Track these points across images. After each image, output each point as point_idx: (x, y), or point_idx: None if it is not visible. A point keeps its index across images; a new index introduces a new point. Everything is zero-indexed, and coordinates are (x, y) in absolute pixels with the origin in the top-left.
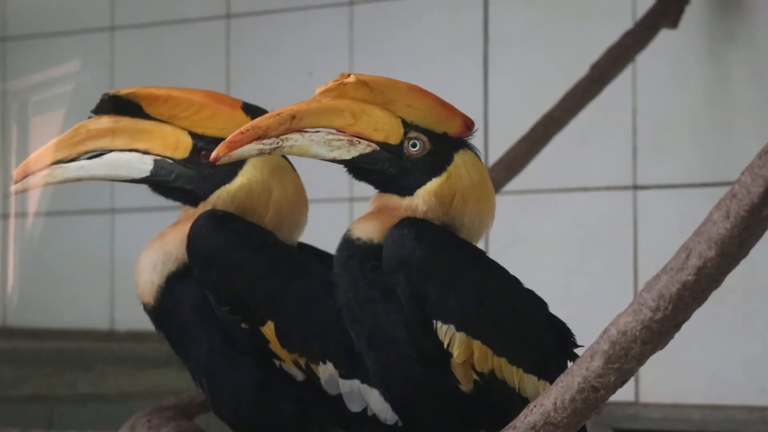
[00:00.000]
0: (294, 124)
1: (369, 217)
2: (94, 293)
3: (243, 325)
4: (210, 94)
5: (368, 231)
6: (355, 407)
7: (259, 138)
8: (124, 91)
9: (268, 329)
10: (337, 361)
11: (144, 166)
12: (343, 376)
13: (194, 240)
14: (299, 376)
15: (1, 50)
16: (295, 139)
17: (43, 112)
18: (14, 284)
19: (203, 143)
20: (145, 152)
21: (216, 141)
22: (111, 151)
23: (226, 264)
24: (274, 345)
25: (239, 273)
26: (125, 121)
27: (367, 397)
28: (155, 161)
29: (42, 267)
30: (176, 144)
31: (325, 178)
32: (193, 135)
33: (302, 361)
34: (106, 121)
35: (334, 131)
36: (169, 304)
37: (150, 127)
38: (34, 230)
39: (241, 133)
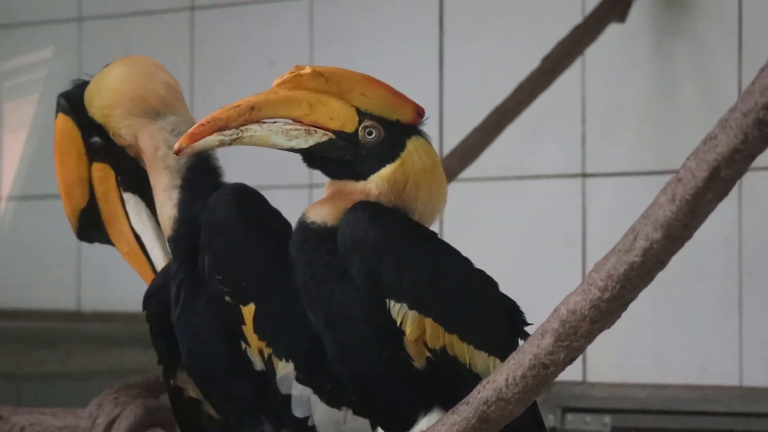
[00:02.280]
0: (253, 115)
1: (324, 201)
2: (60, 275)
3: (227, 299)
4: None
5: (323, 214)
6: (299, 413)
7: (219, 129)
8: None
9: (248, 310)
10: (298, 363)
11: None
12: (298, 379)
13: (213, 207)
14: (258, 365)
15: None
16: (254, 130)
17: (16, 98)
18: None
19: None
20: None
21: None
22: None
23: (233, 238)
24: (247, 327)
25: (243, 249)
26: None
27: (314, 408)
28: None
29: (10, 249)
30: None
31: (285, 164)
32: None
33: (267, 352)
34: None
35: (290, 121)
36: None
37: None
38: (2, 214)
39: (202, 125)
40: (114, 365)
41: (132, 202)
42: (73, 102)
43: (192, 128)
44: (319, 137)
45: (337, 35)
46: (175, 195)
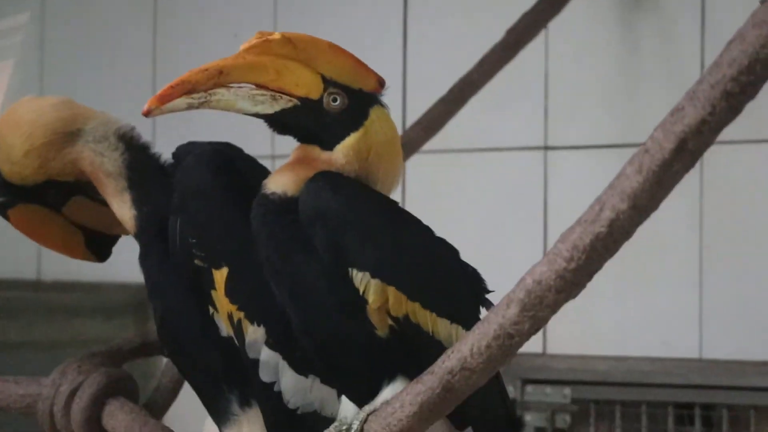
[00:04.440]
0: (221, 79)
1: (284, 169)
2: (21, 245)
3: (197, 262)
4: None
5: (282, 184)
6: (266, 378)
7: (188, 92)
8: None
9: (221, 274)
10: (270, 328)
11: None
12: (268, 344)
13: (189, 171)
14: (225, 331)
15: None
16: (221, 94)
17: None
18: None
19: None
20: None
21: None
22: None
23: (208, 200)
24: (218, 292)
25: (219, 212)
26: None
27: (281, 374)
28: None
29: None
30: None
31: (247, 134)
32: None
33: (237, 316)
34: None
35: (255, 87)
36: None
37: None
38: None
39: (171, 87)
40: (76, 335)
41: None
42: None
43: (161, 90)
44: (284, 103)
45: (302, 7)
46: (126, 196)
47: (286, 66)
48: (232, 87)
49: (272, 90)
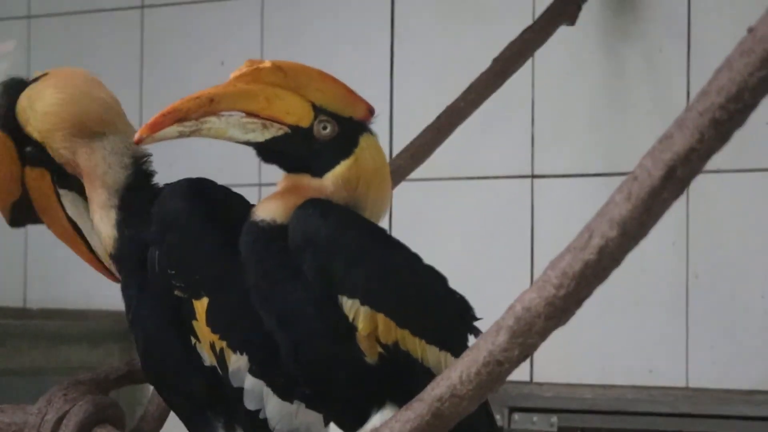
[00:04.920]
0: (212, 107)
1: (273, 197)
2: (6, 272)
3: (177, 293)
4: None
5: (271, 211)
6: (251, 405)
7: (179, 120)
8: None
9: (201, 304)
10: (252, 356)
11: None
12: (251, 372)
13: (166, 202)
14: (208, 360)
15: None
16: (212, 122)
17: None
18: None
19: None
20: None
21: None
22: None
23: (186, 232)
24: (199, 322)
25: (197, 243)
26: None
27: (266, 401)
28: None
29: None
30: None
31: (235, 163)
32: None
33: (219, 345)
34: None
35: (245, 115)
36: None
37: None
38: None
39: (163, 115)
40: (62, 362)
41: (69, 197)
42: (6, 115)
43: (152, 118)
44: (275, 131)
45: (288, 35)
46: (113, 214)
47: (276, 94)
48: (222, 115)
49: (263, 118)
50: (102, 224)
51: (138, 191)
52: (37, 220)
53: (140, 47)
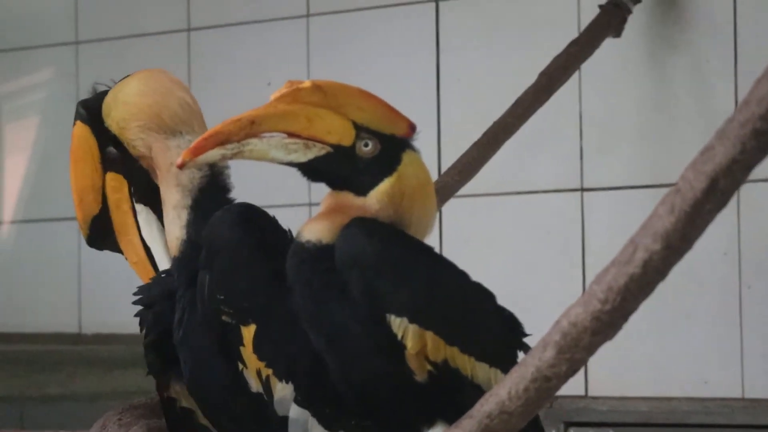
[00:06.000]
0: (253, 129)
1: (318, 218)
2: (62, 298)
3: (225, 318)
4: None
5: (317, 232)
6: None
7: (221, 143)
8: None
9: (248, 331)
10: (298, 385)
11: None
12: (297, 401)
13: (217, 228)
14: (254, 387)
15: None
16: (254, 144)
17: (15, 121)
18: None
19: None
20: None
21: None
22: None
23: (236, 257)
24: (246, 348)
25: (246, 269)
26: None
27: (310, 431)
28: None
29: (11, 273)
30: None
31: (285, 183)
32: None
33: (266, 373)
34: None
35: (286, 135)
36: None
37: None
38: (1, 237)
39: (205, 139)
40: (116, 387)
41: (143, 213)
42: (91, 111)
43: (195, 142)
44: (317, 151)
45: (334, 53)
46: (184, 215)
47: (317, 114)
48: (264, 137)
49: (304, 138)
50: (173, 225)
51: (211, 195)
52: (112, 244)
53: (187, 70)
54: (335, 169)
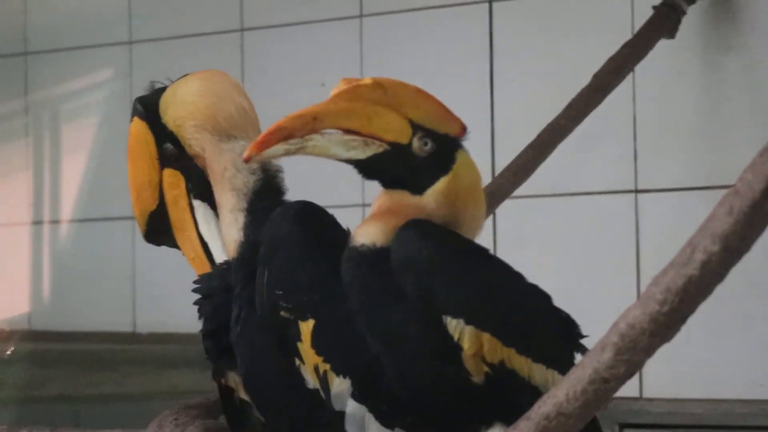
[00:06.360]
0: (315, 125)
1: (371, 220)
2: (116, 297)
3: (283, 314)
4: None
5: (371, 235)
6: (352, 430)
7: (285, 138)
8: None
9: (307, 326)
10: (355, 380)
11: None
12: (354, 396)
13: (276, 224)
14: (311, 383)
15: (23, 64)
16: (316, 140)
17: (71, 121)
18: (40, 289)
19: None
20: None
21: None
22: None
23: (296, 253)
24: (304, 344)
25: (306, 264)
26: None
27: (367, 427)
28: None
29: (66, 272)
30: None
31: (338, 184)
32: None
33: (323, 368)
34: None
35: (345, 132)
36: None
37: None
38: (58, 237)
39: (269, 133)
40: (171, 386)
41: (201, 209)
42: (148, 107)
43: (260, 137)
44: (375, 148)
45: (387, 54)
46: (241, 218)
47: (376, 111)
48: (324, 133)
49: (364, 135)
50: (230, 228)
51: (267, 197)
52: (170, 239)
53: (241, 70)
54: (392, 167)
